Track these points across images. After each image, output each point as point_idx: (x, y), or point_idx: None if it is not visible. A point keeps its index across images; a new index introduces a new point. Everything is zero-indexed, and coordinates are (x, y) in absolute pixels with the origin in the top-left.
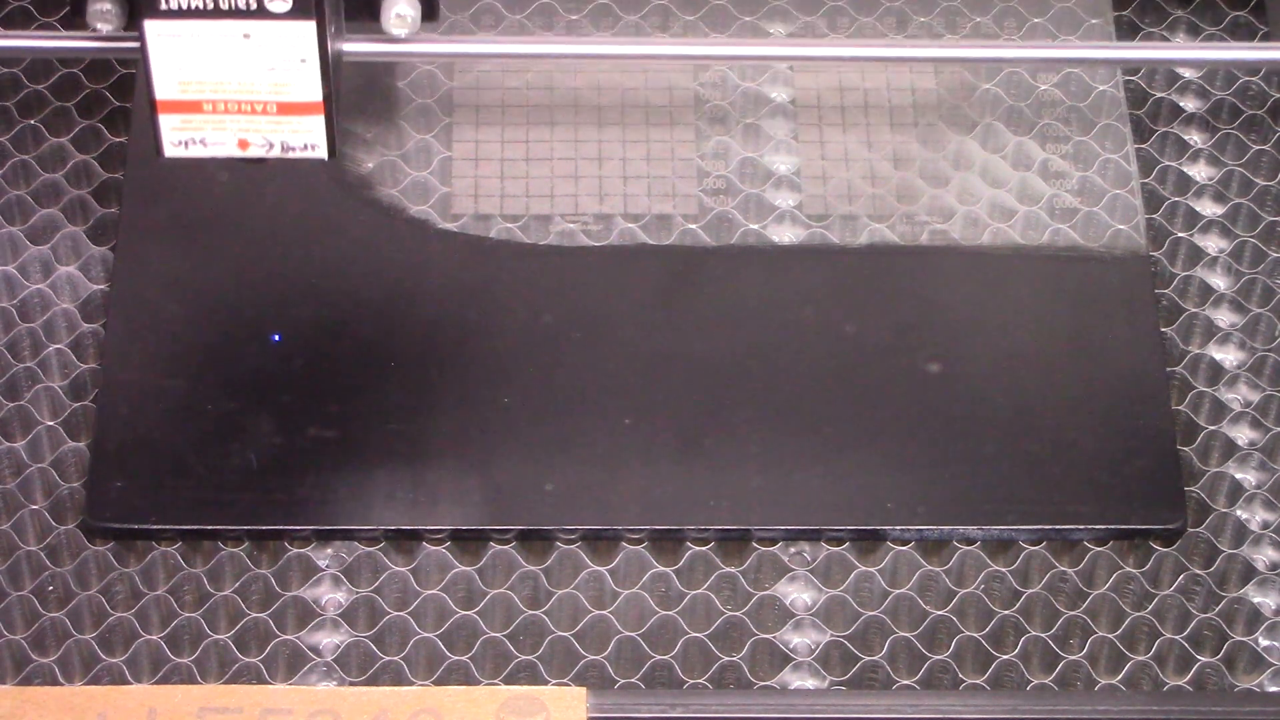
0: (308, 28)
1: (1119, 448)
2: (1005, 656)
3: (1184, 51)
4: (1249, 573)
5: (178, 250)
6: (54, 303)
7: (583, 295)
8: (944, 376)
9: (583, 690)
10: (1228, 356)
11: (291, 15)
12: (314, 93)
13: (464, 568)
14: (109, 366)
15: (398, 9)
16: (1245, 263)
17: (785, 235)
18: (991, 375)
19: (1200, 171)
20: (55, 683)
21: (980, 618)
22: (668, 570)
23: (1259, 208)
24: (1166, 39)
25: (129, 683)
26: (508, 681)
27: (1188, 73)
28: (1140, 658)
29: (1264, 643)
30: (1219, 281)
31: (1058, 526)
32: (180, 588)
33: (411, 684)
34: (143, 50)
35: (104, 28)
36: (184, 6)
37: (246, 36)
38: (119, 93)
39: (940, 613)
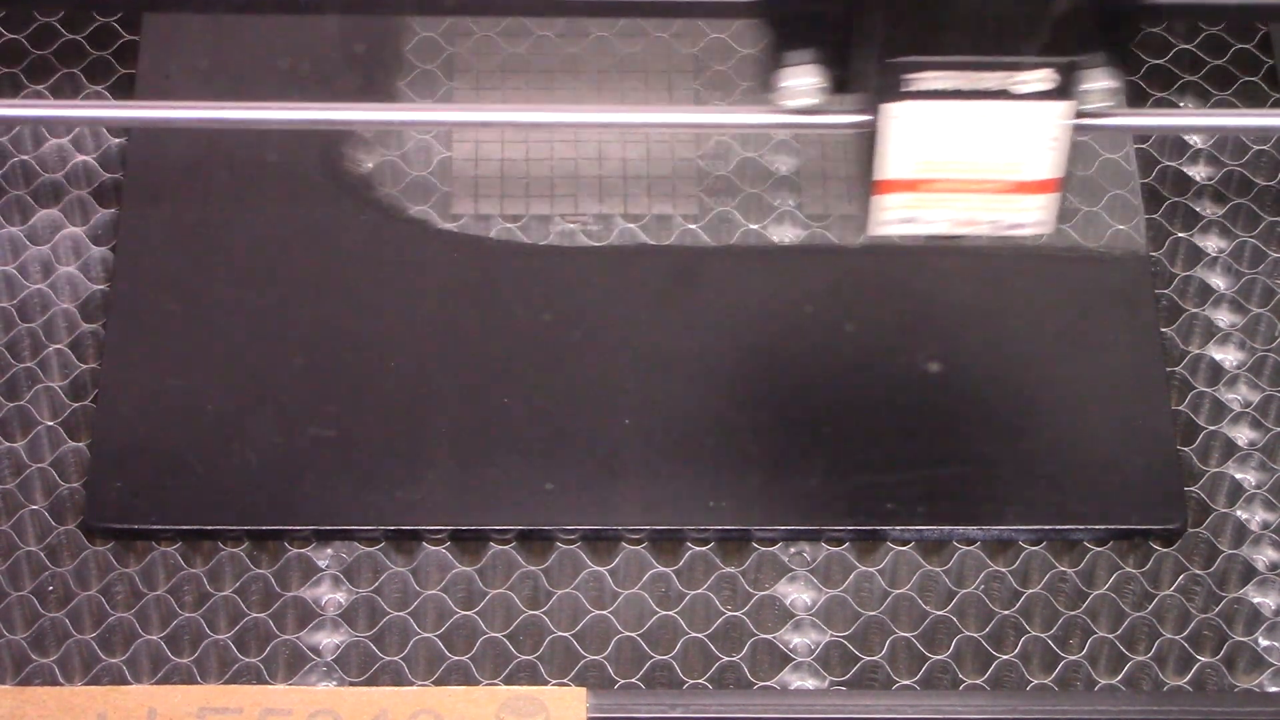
0: (1057, 109)
1: (1119, 448)
2: (1005, 657)
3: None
4: (1249, 573)
5: (178, 250)
6: (54, 303)
7: (583, 295)
8: (944, 376)
9: (583, 690)
10: (1228, 356)
11: (1044, 96)
12: (1046, 170)
13: (464, 568)
14: (109, 366)
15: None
16: (1245, 263)
17: (785, 235)
18: (991, 375)
19: (1200, 171)
20: (55, 683)
21: (980, 618)
22: (668, 570)
23: (1259, 208)
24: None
25: (129, 683)
26: (508, 681)
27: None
28: (1140, 658)
29: (1264, 643)
30: (1219, 281)
31: (1058, 526)
32: (180, 588)
33: (411, 684)
34: (878, 132)
35: (796, 104)
36: (927, 89)
37: (992, 116)
38: (118, 93)
39: (940, 613)
